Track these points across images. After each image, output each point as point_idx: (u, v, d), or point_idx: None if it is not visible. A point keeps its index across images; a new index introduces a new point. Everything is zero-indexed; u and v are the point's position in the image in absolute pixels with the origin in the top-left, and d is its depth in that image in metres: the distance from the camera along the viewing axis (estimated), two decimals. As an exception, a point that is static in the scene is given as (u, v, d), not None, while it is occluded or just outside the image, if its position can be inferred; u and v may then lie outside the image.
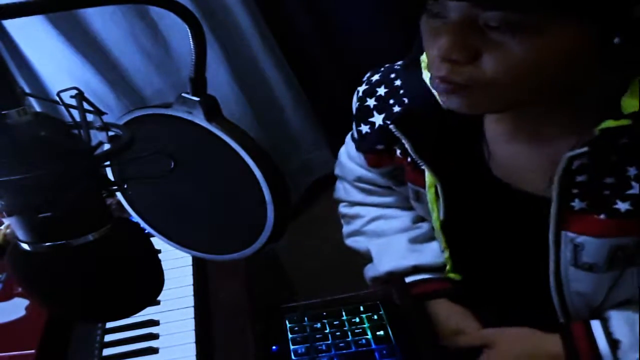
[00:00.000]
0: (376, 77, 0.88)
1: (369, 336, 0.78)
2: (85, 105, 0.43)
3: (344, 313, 0.83)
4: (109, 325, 0.84)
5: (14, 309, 0.83)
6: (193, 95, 0.48)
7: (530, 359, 0.77)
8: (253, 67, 1.70)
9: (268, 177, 0.48)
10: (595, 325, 0.73)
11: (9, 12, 0.36)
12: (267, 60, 1.71)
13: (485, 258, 0.86)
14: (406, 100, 0.83)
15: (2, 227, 0.96)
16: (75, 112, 0.43)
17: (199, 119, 0.48)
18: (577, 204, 0.68)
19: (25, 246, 0.43)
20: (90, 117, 0.44)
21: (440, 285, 0.89)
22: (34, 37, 1.31)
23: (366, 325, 0.80)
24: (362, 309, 0.83)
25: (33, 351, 0.76)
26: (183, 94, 0.49)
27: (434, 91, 0.75)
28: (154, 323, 0.84)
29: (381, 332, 0.79)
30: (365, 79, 0.90)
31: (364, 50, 1.55)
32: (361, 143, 0.91)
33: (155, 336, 0.82)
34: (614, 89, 0.65)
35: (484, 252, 0.85)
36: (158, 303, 0.85)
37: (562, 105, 0.68)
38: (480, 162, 0.79)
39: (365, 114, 0.87)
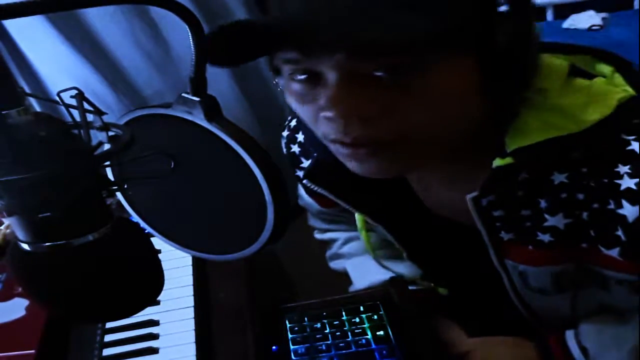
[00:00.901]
0: (294, 122, 0.86)
1: (369, 336, 0.78)
2: (85, 105, 0.43)
3: (344, 313, 0.83)
4: (109, 325, 0.84)
5: (14, 309, 0.83)
6: (193, 95, 0.48)
7: None
8: (253, 67, 1.70)
9: (268, 177, 0.48)
10: (569, 334, 0.73)
11: (9, 12, 0.36)
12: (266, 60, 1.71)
13: (454, 279, 0.87)
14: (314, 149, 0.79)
15: (2, 227, 0.96)
16: (75, 112, 0.43)
17: (199, 119, 0.48)
18: (504, 235, 0.68)
19: (25, 246, 0.43)
20: (90, 117, 0.44)
21: (428, 295, 0.90)
22: (34, 37, 1.31)
23: (366, 325, 0.80)
24: (362, 309, 0.83)
25: (33, 351, 0.76)
26: (183, 94, 0.49)
27: None
28: (154, 323, 0.84)
29: (381, 332, 0.79)
30: (286, 123, 0.88)
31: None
32: (303, 187, 0.89)
33: (155, 336, 0.82)
34: (505, 126, 0.63)
35: (452, 275, 0.86)
36: (158, 303, 0.86)
37: (469, 146, 0.65)
38: (411, 199, 0.78)
39: (295, 161, 0.85)
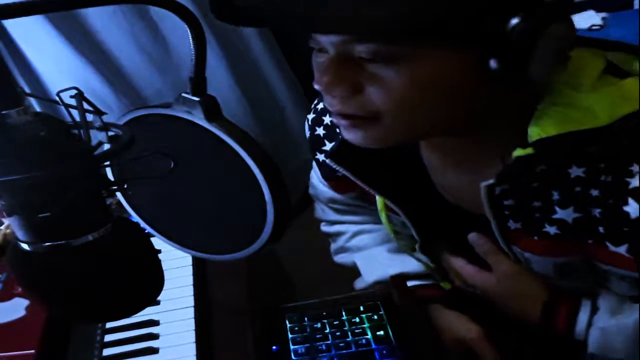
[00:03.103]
0: (321, 104, 0.88)
1: (369, 336, 0.78)
2: (85, 105, 0.43)
3: (344, 313, 0.83)
4: (109, 325, 0.84)
5: (14, 309, 0.83)
6: (193, 95, 0.49)
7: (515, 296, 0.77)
8: (253, 67, 1.70)
9: (268, 177, 0.48)
10: (584, 311, 0.72)
11: (9, 12, 0.36)
12: (267, 60, 1.71)
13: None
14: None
15: (2, 227, 0.96)
16: (75, 112, 0.43)
17: (199, 119, 0.49)
18: (511, 224, 0.70)
19: (25, 246, 0.43)
20: (90, 117, 0.44)
21: (432, 292, 0.90)
22: (34, 37, 1.31)
23: (366, 325, 0.80)
24: (362, 309, 0.83)
25: (33, 351, 0.76)
26: (183, 94, 0.49)
27: None
28: (154, 323, 0.84)
29: (381, 332, 0.79)
30: (312, 106, 0.90)
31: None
32: (322, 171, 0.91)
33: (155, 336, 0.82)
34: (524, 115, 0.64)
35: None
36: (158, 303, 0.86)
37: (482, 134, 0.68)
38: (429, 187, 0.79)
39: (318, 143, 0.87)
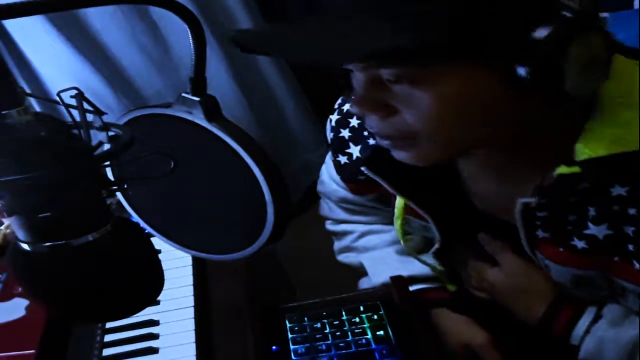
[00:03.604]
0: (347, 106, 0.87)
1: (369, 336, 0.78)
2: (85, 105, 0.43)
3: (344, 313, 0.83)
4: (109, 325, 0.84)
5: (14, 309, 0.83)
6: (193, 95, 0.48)
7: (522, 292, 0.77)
8: (253, 67, 1.70)
9: (268, 177, 0.48)
10: (586, 317, 0.72)
11: (9, 12, 0.36)
12: (267, 60, 1.71)
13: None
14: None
15: (2, 227, 0.96)
16: (75, 112, 0.43)
17: (199, 119, 0.48)
18: (540, 233, 0.70)
19: (25, 246, 0.43)
20: (90, 117, 0.44)
21: (439, 294, 0.90)
22: (34, 37, 1.31)
23: (366, 325, 0.80)
24: (362, 309, 0.83)
25: (33, 351, 0.76)
26: (183, 94, 0.49)
27: None
28: (154, 323, 0.84)
29: (381, 332, 0.79)
30: (336, 106, 0.89)
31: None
32: (342, 173, 0.90)
33: (155, 336, 0.82)
34: (570, 132, 0.63)
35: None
36: (158, 303, 0.86)
37: (523, 149, 0.68)
38: (459, 194, 0.80)
39: (341, 145, 0.86)
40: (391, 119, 0.61)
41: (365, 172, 0.79)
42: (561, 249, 0.68)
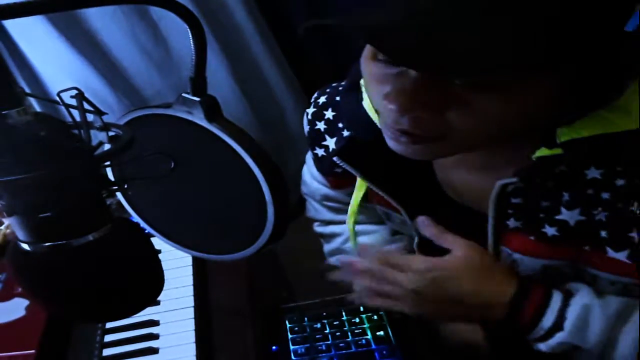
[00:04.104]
0: (322, 99, 0.87)
1: (369, 336, 0.79)
2: (86, 105, 0.43)
3: (344, 313, 0.83)
4: (109, 325, 0.84)
5: (14, 309, 0.83)
6: (193, 95, 0.48)
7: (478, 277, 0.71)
8: (253, 67, 1.70)
9: (268, 177, 0.48)
10: (556, 295, 0.68)
11: (9, 12, 0.36)
12: (267, 60, 1.71)
13: None
14: (347, 126, 0.80)
15: (2, 227, 0.96)
16: (75, 112, 0.43)
17: (199, 119, 0.48)
18: (512, 222, 0.68)
19: (25, 246, 0.43)
20: (90, 117, 0.44)
21: None
22: (34, 37, 1.31)
23: (366, 325, 0.80)
24: (362, 309, 0.83)
25: (33, 351, 0.76)
26: (183, 94, 0.49)
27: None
28: (154, 323, 0.84)
29: (381, 332, 0.79)
30: (312, 100, 0.89)
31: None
32: (319, 166, 0.90)
33: (155, 336, 0.82)
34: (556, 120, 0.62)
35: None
36: (158, 303, 0.86)
37: (517, 138, 0.65)
38: (432, 183, 0.78)
39: (317, 137, 0.86)
40: (432, 119, 0.57)
41: (338, 162, 0.79)
42: (532, 238, 0.66)
